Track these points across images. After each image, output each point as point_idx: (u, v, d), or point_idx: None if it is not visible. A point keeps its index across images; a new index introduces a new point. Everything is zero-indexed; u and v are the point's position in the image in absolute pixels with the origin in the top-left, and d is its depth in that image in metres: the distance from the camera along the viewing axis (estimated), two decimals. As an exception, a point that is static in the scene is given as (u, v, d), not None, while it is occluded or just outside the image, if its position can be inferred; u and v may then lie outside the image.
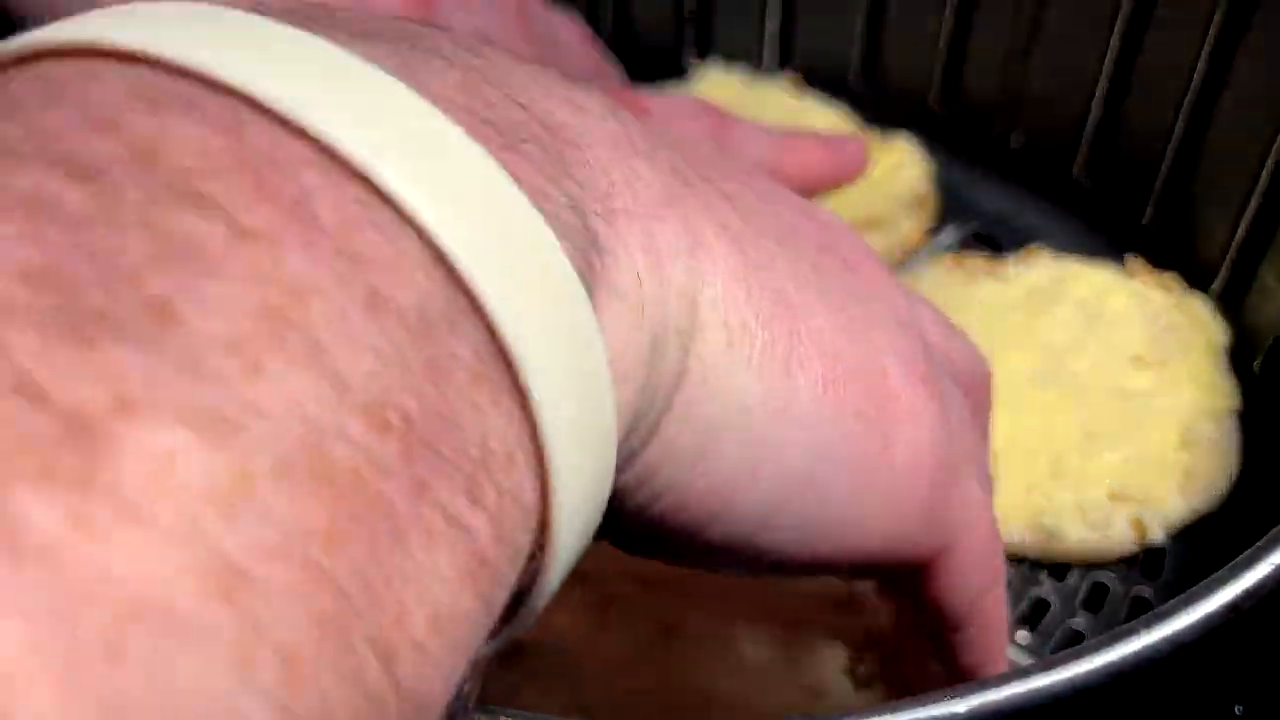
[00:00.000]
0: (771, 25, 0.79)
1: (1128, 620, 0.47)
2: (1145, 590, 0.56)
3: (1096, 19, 0.67)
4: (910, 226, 0.71)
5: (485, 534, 0.19)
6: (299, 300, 0.16)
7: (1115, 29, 0.66)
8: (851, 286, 0.32)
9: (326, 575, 0.16)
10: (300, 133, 0.17)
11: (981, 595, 0.36)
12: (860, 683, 0.48)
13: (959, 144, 0.76)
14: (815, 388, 0.29)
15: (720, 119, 0.60)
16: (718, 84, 0.78)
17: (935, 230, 0.73)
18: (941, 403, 0.33)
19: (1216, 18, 0.61)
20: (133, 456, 0.14)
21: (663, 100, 0.62)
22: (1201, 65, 0.63)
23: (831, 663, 0.49)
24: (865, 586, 0.50)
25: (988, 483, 0.38)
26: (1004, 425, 0.61)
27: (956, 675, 0.39)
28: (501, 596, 0.21)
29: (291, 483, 0.16)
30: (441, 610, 0.18)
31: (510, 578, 0.21)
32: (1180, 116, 0.65)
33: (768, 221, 0.30)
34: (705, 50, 0.81)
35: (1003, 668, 0.39)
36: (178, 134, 0.17)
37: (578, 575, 0.26)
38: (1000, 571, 0.38)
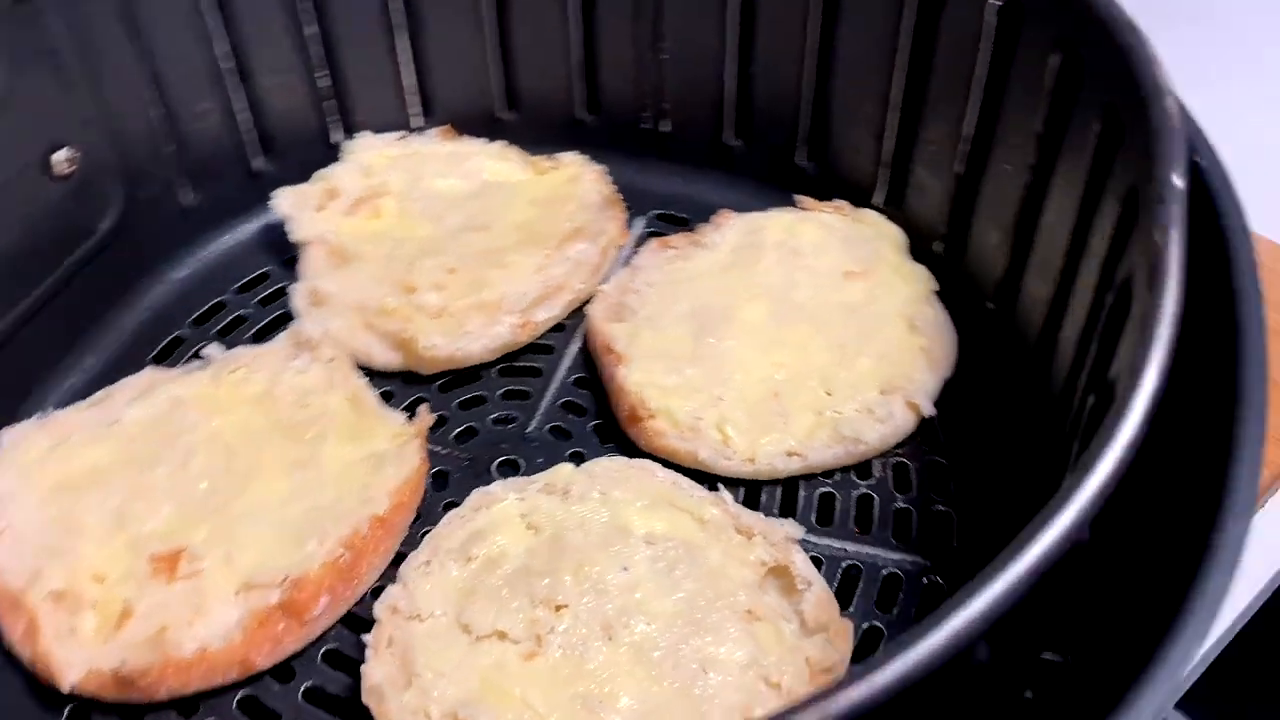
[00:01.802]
0: (409, 83, 0.81)
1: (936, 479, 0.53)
2: (937, 459, 0.64)
3: (708, 7, 0.74)
4: (612, 227, 0.75)
5: None
6: None
7: (728, 13, 0.74)
8: None
9: None
10: None
11: None
12: None
13: (617, 143, 0.82)
14: None
15: None
16: (373, 151, 0.79)
17: (630, 223, 0.78)
18: None
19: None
20: None
21: None
22: (813, 29, 0.72)
23: None
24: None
25: None
26: (769, 366, 0.67)
27: None
28: None
29: None
30: None
31: None
32: (805, 67, 0.74)
33: None
34: (350, 125, 0.82)
35: None
36: None
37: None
38: None
